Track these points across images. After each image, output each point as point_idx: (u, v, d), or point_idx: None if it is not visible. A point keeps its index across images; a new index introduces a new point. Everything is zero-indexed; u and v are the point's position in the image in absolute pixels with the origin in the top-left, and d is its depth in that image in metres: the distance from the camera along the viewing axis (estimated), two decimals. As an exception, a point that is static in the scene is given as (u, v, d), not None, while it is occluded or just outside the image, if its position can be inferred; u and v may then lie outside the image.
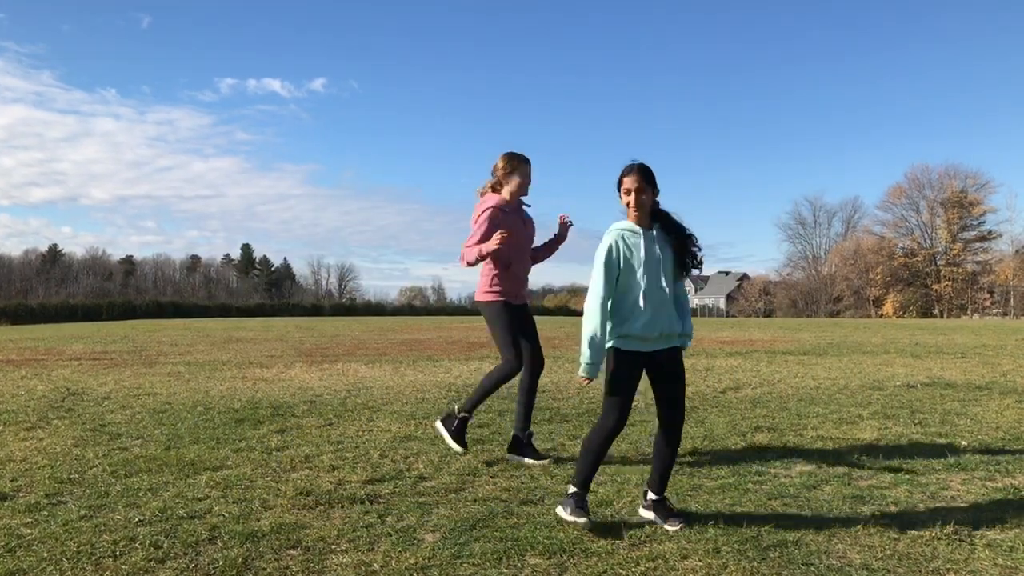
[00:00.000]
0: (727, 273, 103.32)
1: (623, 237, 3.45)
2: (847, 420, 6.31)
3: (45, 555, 2.97)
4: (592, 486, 4.05)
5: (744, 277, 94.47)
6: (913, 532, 3.31)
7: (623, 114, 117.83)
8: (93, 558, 2.95)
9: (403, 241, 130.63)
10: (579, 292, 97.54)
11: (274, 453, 4.90)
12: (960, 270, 67.14)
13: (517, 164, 4.78)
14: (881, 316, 65.59)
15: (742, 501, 3.79)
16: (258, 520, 3.44)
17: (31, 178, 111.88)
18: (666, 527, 3.34)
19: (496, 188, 4.84)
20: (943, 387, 8.58)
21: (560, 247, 5.14)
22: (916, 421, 6.21)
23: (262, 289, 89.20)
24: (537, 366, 4.78)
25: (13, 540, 3.15)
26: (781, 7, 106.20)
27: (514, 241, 4.63)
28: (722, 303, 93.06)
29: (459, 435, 4.70)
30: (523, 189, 4.84)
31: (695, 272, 3.59)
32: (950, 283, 66.59)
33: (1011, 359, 12.63)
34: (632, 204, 3.44)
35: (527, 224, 4.88)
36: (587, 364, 3.32)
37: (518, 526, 3.37)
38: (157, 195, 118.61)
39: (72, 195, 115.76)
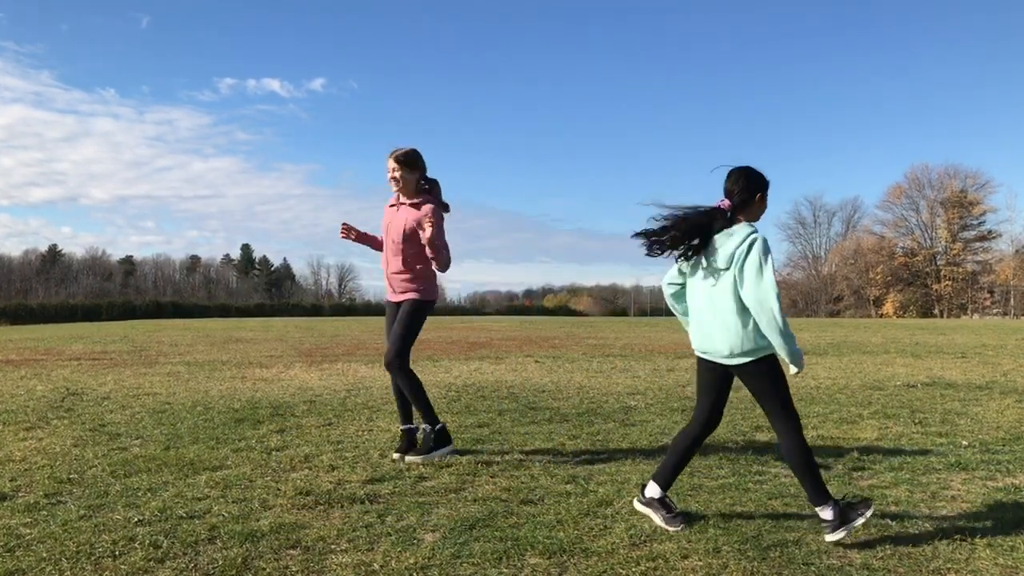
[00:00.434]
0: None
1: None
2: (847, 420, 6.30)
3: (44, 555, 2.97)
4: (592, 486, 4.06)
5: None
6: (913, 532, 3.31)
7: (623, 114, 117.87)
8: (92, 558, 2.95)
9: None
10: (578, 292, 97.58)
11: (274, 453, 4.89)
12: (960, 270, 67.17)
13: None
14: (881, 316, 65.61)
15: (742, 501, 3.79)
16: (258, 520, 3.43)
17: (31, 178, 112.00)
18: (667, 528, 3.33)
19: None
20: (943, 387, 8.58)
21: (431, 255, 4.72)
22: (916, 421, 6.21)
23: (262, 289, 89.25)
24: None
25: (12, 540, 3.15)
26: (781, 7, 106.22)
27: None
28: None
29: (440, 441, 4.75)
30: (391, 183, 4.82)
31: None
32: (950, 283, 66.63)
33: (1011, 359, 12.63)
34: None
35: (395, 222, 4.81)
36: (800, 354, 3.20)
37: (518, 526, 3.36)
38: (157, 195, 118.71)
39: (72, 195, 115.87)
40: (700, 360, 3.45)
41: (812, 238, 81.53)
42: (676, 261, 3.45)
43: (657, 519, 3.36)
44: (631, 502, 3.73)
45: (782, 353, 3.16)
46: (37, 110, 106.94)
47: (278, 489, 3.96)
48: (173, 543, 3.11)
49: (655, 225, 3.36)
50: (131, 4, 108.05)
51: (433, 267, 4.78)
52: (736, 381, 3.41)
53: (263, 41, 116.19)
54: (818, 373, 10.20)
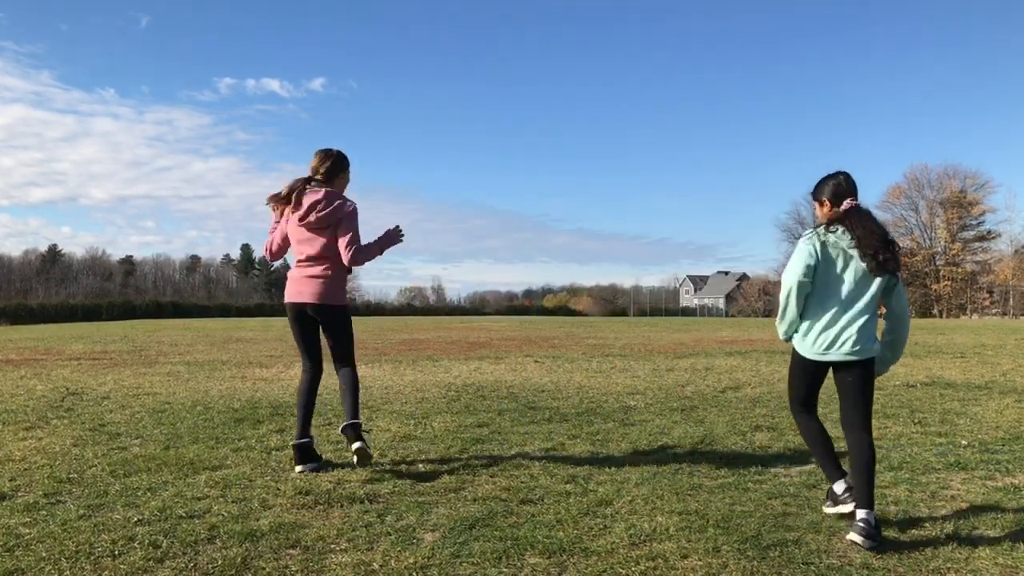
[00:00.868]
0: (726, 273, 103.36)
1: None
2: (847, 420, 6.30)
3: (44, 555, 2.97)
4: (592, 485, 4.06)
5: (744, 277, 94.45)
6: (913, 531, 3.31)
7: (623, 114, 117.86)
8: (92, 557, 2.95)
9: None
10: (578, 292, 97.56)
11: (273, 452, 4.89)
12: (959, 270, 67.09)
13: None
14: (881, 316, 65.47)
15: (742, 500, 3.79)
16: (257, 519, 3.43)
17: (30, 178, 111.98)
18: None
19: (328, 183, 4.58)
20: (943, 387, 8.58)
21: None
22: (916, 420, 6.20)
23: (262, 289, 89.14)
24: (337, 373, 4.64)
25: (12, 540, 3.15)
26: (781, 7, 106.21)
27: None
28: (721, 303, 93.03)
29: (305, 456, 4.42)
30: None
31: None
32: (949, 283, 66.57)
33: (1010, 359, 12.63)
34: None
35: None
36: (780, 332, 3.63)
37: (518, 525, 3.36)
38: (156, 195, 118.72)
39: (71, 195, 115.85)
40: None
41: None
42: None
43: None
44: (631, 502, 3.73)
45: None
46: (37, 110, 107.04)
47: (278, 489, 3.96)
48: (173, 543, 3.11)
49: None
50: (131, 4, 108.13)
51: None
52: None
53: (263, 41, 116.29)
54: (818, 373, 10.19)
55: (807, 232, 3.47)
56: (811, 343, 3.42)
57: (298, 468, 4.36)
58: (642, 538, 3.20)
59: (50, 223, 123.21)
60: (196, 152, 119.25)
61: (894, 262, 3.34)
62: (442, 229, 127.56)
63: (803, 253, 3.38)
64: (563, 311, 77.98)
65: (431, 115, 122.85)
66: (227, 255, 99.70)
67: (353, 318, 4.79)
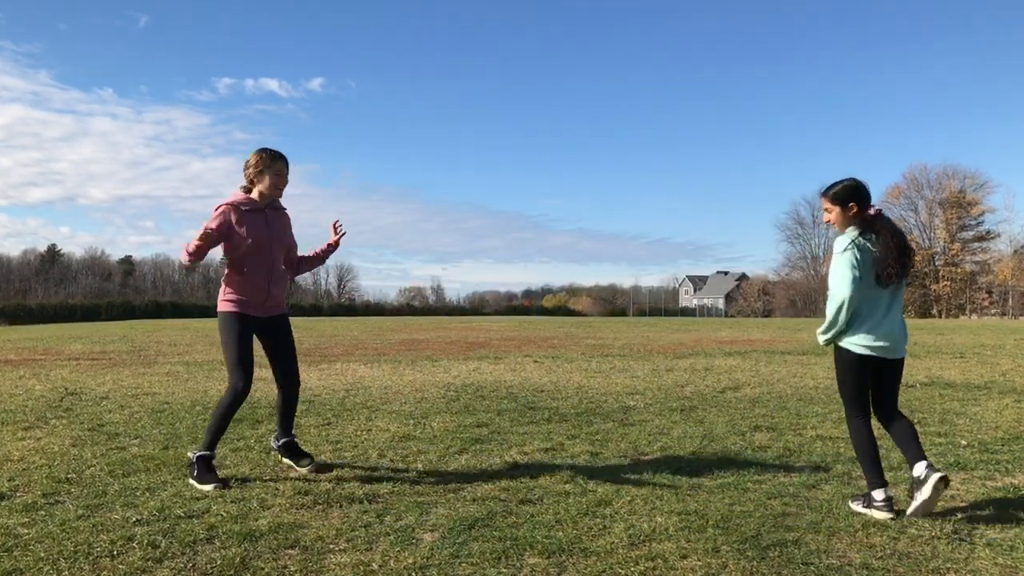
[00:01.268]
0: (726, 273, 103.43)
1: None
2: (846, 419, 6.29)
3: (42, 555, 2.96)
4: (591, 485, 4.06)
5: (743, 277, 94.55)
6: (913, 531, 3.31)
7: (623, 114, 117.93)
8: (90, 558, 2.94)
9: (402, 241, 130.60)
10: (577, 292, 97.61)
11: (272, 453, 4.88)
12: (958, 270, 67.13)
13: (269, 162, 4.30)
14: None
15: (741, 500, 3.78)
16: (256, 520, 3.43)
17: (29, 178, 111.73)
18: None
19: (247, 188, 4.36)
20: (942, 387, 8.58)
21: (332, 255, 4.80)
22: (915, 421, 6.20)
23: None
24: (291, 390, 4.47)
25: (10, 540, 3.14)
26: (780, 7, 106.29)
27: (253, 243, 4.22)
28: (721, 303, 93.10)
29: (204, 475, 4.08)
30: (275, 189, 4.34)
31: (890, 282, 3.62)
32: (948, 283, 66.60)
33: (1010, 359, 12.64)
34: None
35: (271, 225, 4.32)
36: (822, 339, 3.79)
37: (517, 525, 3.36)
38: (155, 195, 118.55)
39: (70, 195, 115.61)
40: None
41: (811, 238, 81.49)
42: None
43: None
44: (630, 502, 3.73)
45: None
46: (35, 110, 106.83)
47: (276, 489, 3.96)
48: (171, 543, 3.11)
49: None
50: (129, 3, 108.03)
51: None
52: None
53: (261, 41, 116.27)
54: (817, 373, 10.19)
55: (844, 242, 3.59)
56: (873, 343, 3.58)
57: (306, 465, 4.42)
58: (641, 538, 3.20)
59: (49, 223, 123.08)
60: (195, 152, 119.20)
61: (912, 266, 3.65)
62: (441, 229, 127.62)
63: (849, 265, 3.53)
64: (562, 311, 77.98)
65: (430, 115, 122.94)
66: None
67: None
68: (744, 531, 3.28)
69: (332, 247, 4.75)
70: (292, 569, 2.85)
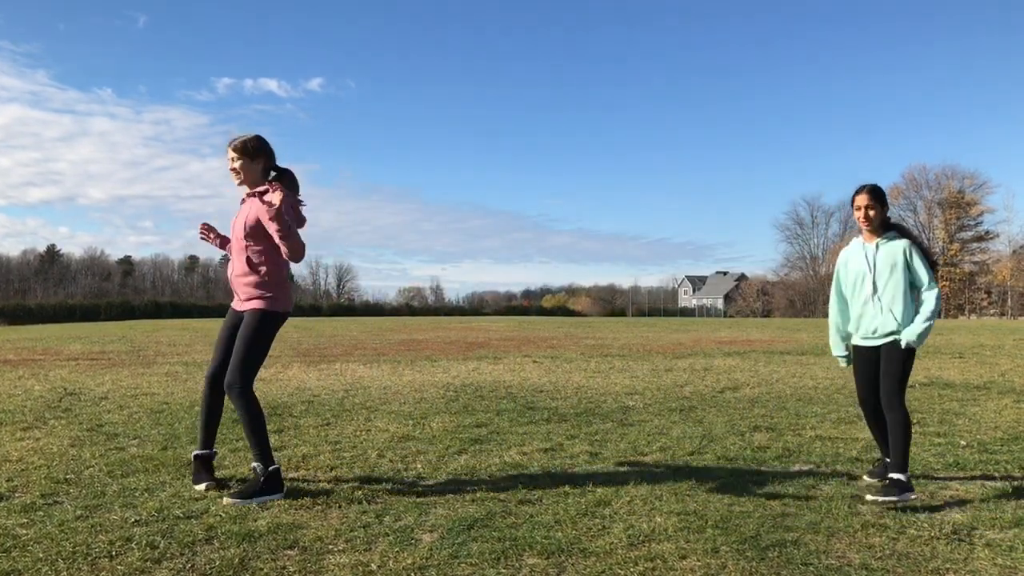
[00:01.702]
0: (725, 273, 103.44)
1: (848, 251, 4.21)
2: (845, 420, 6.30)
3: (41, 555, 2.96)
4: (590, 486, 4.06)
5: (742, 277, 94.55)
6: (912, 532, 3.31)
7: (622, 114, 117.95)
8: (89, 558, 2.94)
9: (401, 241, 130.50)
10: (577, 292, 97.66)
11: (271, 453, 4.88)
12: (958, 270, 67.19)
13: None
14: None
15: (741, 500, 3.78)
16: (255, 520, 3.42)
17: (28, 178, 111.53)
18: (868, 496, 3.78)
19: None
20: (941, 387, 8.58)
21: (275, 230, 3.88)
22: (914, 421, 6.20)
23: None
24: (216, 382, 4.11)
25: (9, 540, 3.14)
26: (779, 7, 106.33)
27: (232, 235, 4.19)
28: (720, 303, 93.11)
29: (276, 485, 3.84)
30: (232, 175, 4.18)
31: (925, 279, 3.93)
32: (948, 283, 66.63)
33: (1009, 359, 12.64)
34: (861, 219, 4.10)
35: (239, 217, 4.18)
36: (835, 356, 4.30)
37: (516, 526, 3.36)
38: (154, 195, 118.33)
39: (69, 195, 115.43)
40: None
41: (810, 239, 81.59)
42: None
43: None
44: (629, 502, 3.73)
45: None
46: (34, 110, 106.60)
47: (276, 489, 3.95)
48: (170, 543, 3.11)
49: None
50: (127, 3, 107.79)
51: (281, 268, 4.14)
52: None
53: (260, 41, 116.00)
54: (816, 373, 10.20)
55: (908, 242, 3.98)
56: None
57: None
58: (640, 539, 3.20)
59: (48, 223, 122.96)
60: (194, 152, 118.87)
61: None
62: (441, 229, 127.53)
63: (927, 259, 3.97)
64: (562, 311, 77.98)
65: (430, 115, 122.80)
66: (226, 255, 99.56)
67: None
68: (743, 531, 3.28)
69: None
70: (291, 570, 2.85)
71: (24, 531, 3.27)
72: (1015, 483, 4.17)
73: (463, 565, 2.90)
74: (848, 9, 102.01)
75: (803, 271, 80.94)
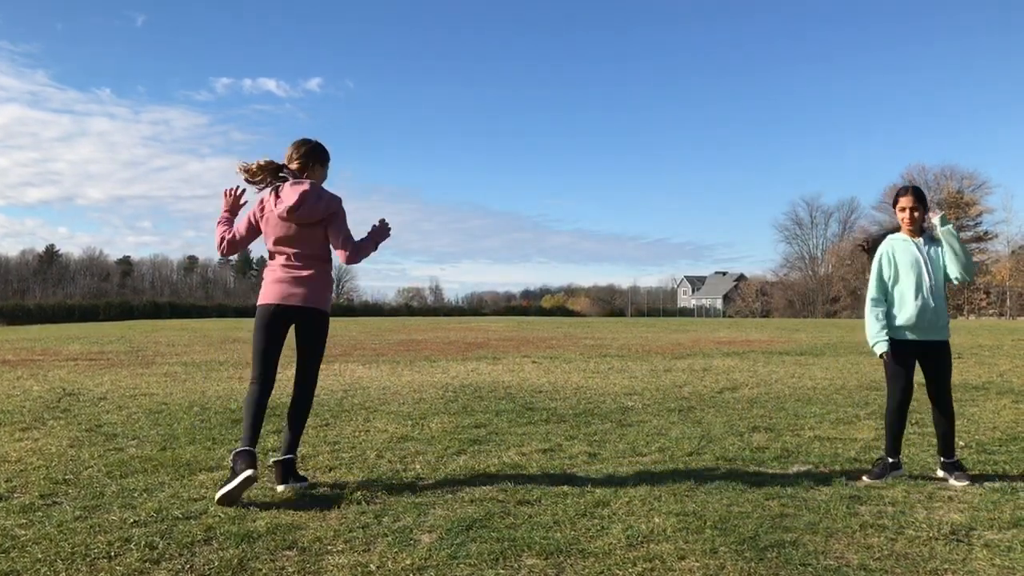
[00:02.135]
0: (724, 274, 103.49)
1: (893, 245, 4.38)
2: (844, 420, 6.31)
3: (39, 556, 2.96)
4: (589, 486, 4.06)
5: (741, 278, 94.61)
6: (910, 532, 3.31)
7: (622, 114, 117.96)
8: (88, 559, 2.94)
9: (401, 241, 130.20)
10: (576, 293, 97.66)
11: (270, 454, 4.87)
12: (957, 270, 67.16)
13: None
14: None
15: (739, 501, 3.79)
16: (254, 521, 3.42)
17: (26, 178, 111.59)
18: (952, 482, 4.12)
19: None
20: (940, 387, 8.58)
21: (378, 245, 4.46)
22: (913, 421, 6.20)
23: (259, 290, 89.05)
24: (295, 387, 4.25)
25: (7, 541, 3.13)
26: (779, 7, 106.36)
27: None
28: (719, 303, 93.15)
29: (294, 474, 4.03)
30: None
31: (957, 277, 4.31)
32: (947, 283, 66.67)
33: (1007, 359, 12.65)
34: (906, 220, 4.35)
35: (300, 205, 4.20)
36: (872, 346, 4.34)
37: (515, 526, 3.36)
38: (153, 195, 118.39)
39: (68, 195, 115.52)
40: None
41: (809, 239, 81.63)
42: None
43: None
44: (628, 503, 3.73)
45: None
46: (33, 110, 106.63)
47: (274, 490, 3.95)
48: (169, 544, 3.10)
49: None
50: (126, 3, 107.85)
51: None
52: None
53: (259, 40, 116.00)
54: (815, 373, 10.20)
55: (943, 244, 4.32)
56: None
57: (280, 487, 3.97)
58: (639, 539, 3.20)
59: (47, 223, 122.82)
60: (193, 152, 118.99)
61: None
62: (440, 229, 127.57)
63: (873, 264, 4.42)
64: (561, 311, 77.93)
65: (429, 115, 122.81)
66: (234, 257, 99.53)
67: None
68: (742, 532, 3.28)
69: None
70: (290, 570, 2.85)
71: (23, 532, 3.26)
72: (1013, 484, 4.17)
73: (462, 566, 2.90)
74: (848, 9, 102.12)
75: (802, 271, 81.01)
